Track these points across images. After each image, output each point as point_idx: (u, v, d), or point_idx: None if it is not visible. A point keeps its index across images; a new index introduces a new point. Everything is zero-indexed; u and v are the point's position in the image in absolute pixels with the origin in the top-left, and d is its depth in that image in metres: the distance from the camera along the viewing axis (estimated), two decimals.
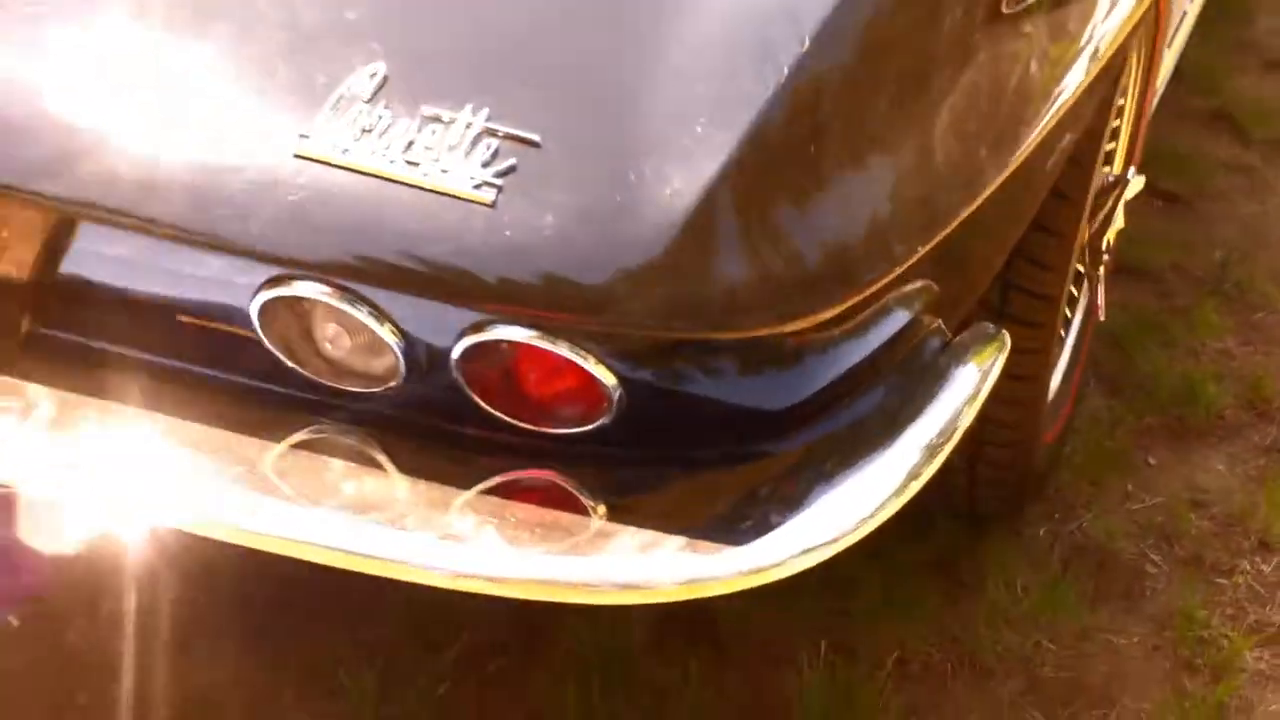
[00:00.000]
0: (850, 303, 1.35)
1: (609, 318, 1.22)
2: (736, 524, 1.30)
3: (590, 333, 1.26)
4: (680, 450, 1.35)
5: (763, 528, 1.28)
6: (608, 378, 1.27)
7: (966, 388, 1.51)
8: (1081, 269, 2.30)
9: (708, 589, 1.24)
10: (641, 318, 1.23)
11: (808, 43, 1.31)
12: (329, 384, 1.35)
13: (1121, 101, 2.37)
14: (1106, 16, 1.76)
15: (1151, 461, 2.50)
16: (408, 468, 1.31)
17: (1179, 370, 2.67)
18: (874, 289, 1.38)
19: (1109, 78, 1.83)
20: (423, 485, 1.29)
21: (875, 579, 2.16)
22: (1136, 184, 2.33)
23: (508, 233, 1.21)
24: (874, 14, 1.38)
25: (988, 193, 1.51)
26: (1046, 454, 2.29)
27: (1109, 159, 2.39)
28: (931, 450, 1.43)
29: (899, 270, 1.38)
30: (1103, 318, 2.32)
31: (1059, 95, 1.65)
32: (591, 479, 1.32)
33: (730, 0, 1.35)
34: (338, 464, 1.32)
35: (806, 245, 1.32)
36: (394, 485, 1.30)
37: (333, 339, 1.33)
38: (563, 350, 1.25)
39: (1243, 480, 2.46)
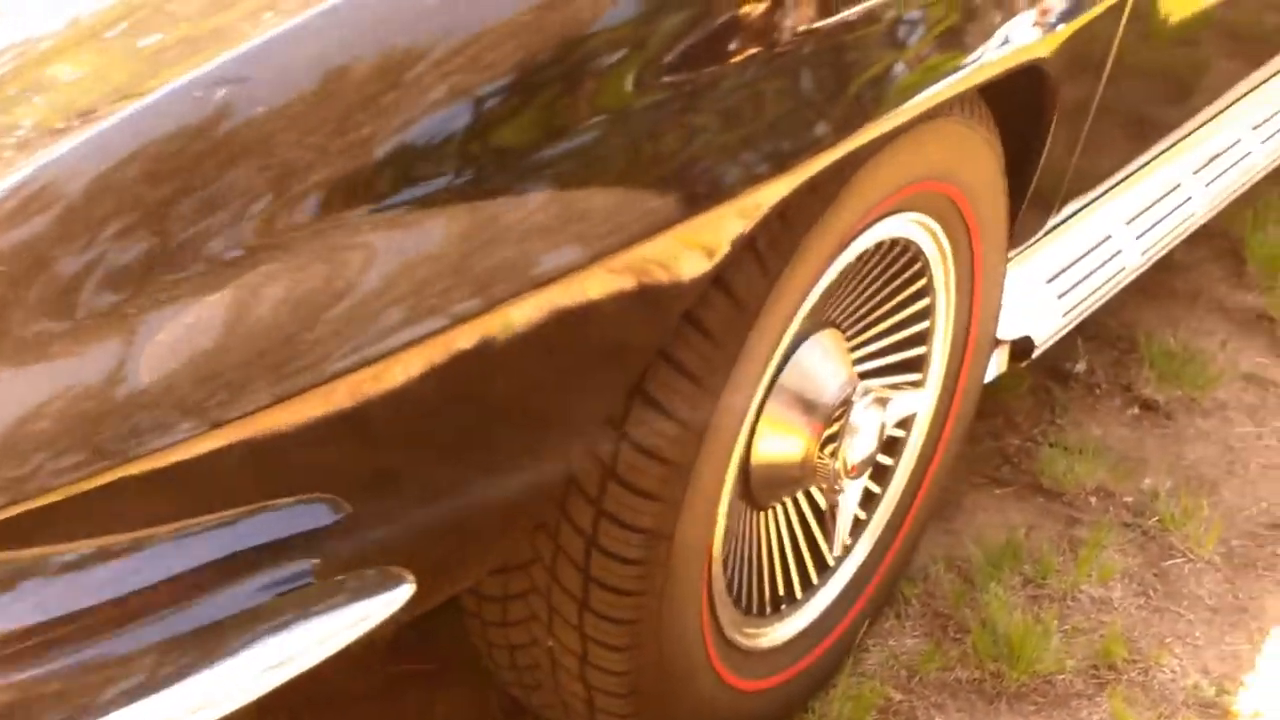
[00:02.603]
0: None
1: None
2: None
3: None
4: None
5: None
6: None
7: (277, 653, 1.24)
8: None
9: None
10: None
11: None
12: None
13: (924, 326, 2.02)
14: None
15: None
16: None
17: (1022, 617, 2.28)
18: None
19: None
20: None
21: None
22: (902, 405, 1.98)
23: None
24: None
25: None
26: (752, 702, 1.95)
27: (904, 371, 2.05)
28: None
29: None
30: (830, 555, 1.98)
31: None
32: None
33: None
34: None
35: None
36: None
37: None
38: None
39: None
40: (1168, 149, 2.70)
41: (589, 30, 1.34)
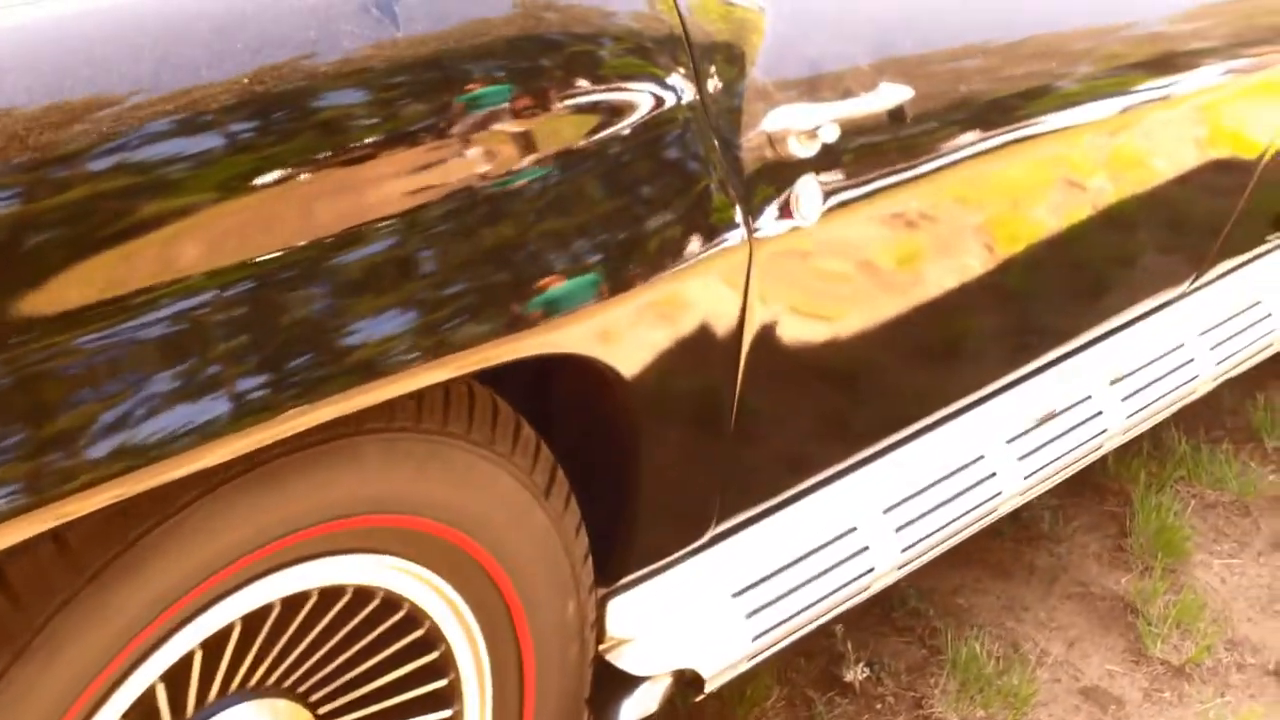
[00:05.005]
0: None
1: None
2: None
3: None
4: None
5: None
6: None
7: None
8: None
9: None
10: None
11: None
12: None
13: None
14: None
15: None
16: None
17: None
18: None
19: None
20: None
21: None
22: None
23: None
24: None
25: None
26: None
27: None
28: None
29: None
30: None
31: None
32: None
33: None
34: None
35: None
36: None
37: None
38: None
39: None
40: (942, 421, 2.19)
41: None
